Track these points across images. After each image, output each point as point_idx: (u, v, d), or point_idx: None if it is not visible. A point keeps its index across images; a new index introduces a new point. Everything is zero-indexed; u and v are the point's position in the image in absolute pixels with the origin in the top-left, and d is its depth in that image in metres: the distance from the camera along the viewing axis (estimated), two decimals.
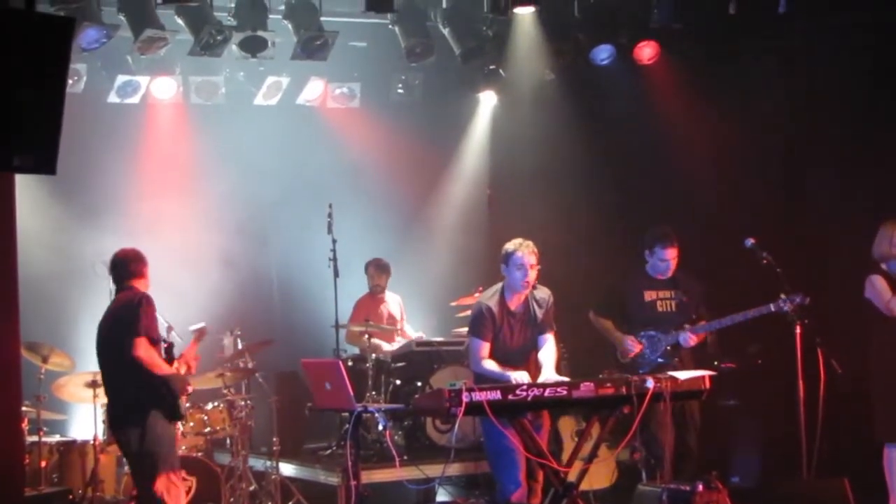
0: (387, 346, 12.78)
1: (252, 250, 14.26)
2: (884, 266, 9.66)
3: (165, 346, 9.13)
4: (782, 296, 9.68)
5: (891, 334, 9.59)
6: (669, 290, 10.37)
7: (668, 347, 10.23)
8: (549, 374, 8.88)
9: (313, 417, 12.49)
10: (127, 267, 9.10)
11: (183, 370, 9.14)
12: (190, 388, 9.32)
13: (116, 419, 9.09)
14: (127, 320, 8.77)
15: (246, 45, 11.96)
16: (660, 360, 10.17)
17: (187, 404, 10.86)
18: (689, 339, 10.17)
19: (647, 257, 10.40)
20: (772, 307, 9.74)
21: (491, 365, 8.88)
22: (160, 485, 8.72)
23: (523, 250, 8.87)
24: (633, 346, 10.25)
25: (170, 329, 9.68)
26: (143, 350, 8.68)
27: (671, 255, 10.29)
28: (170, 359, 9.04)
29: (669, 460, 9.82)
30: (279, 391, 12.36)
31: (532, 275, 8.90)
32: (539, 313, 9.07)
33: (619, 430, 9.18)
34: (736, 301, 10.07)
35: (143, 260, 9.15)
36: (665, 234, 10.33)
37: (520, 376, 8.69)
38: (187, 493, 10.56)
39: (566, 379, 8.79)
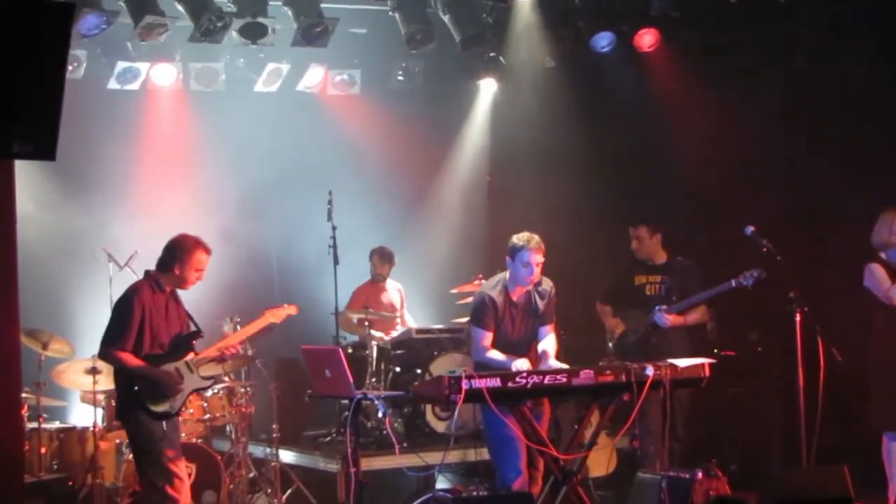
0: (378, 335, 12.73)
1: (252, 237, 14.25)
2: (882, 255, 9.67)
3: (185, 334, 9.03)
4: (745, 272, 9.79)
5: (889, 323, 9.60)
6: (659, 274, 10.77)
7: (649, 327, 10.41)
8: (551, 363, 8.87)
9: (313, 404, 12.49)
10: (161, 255, 9.06)
11: (214, 354, 9.12)
12: (205, 382, 9.23)
13: (117, 412, 9.15)
14: (110, 319, 8.80)
15: (246, 32, 11.95)
16: (636, 339, 10.40)
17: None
18: (665, 319, 10.39)
19: None
20: (733, 283, 9.98)
21: (494, 353, 8.87)
22: (160, 479, 8.70)
23: (531, 247, 8.79)
24: (617, 325, 10.69)
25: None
26: (108, 359, 8.77)
27: (633, 233, 10.82)
28: (187, 349, 8.97)
29: (666, 447, 9.83)
30: (279, 378, 12.35)
31: (537, 272, 8.88)
32: (541, 304, 9.05)
33: (619, 418, 9.19)
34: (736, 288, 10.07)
35: (176, 251, 8.94)
36: (633, 216, 10.95)
37: (521, 364, 8.69)
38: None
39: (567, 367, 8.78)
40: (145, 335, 8.76)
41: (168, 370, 8.81)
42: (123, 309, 8.76)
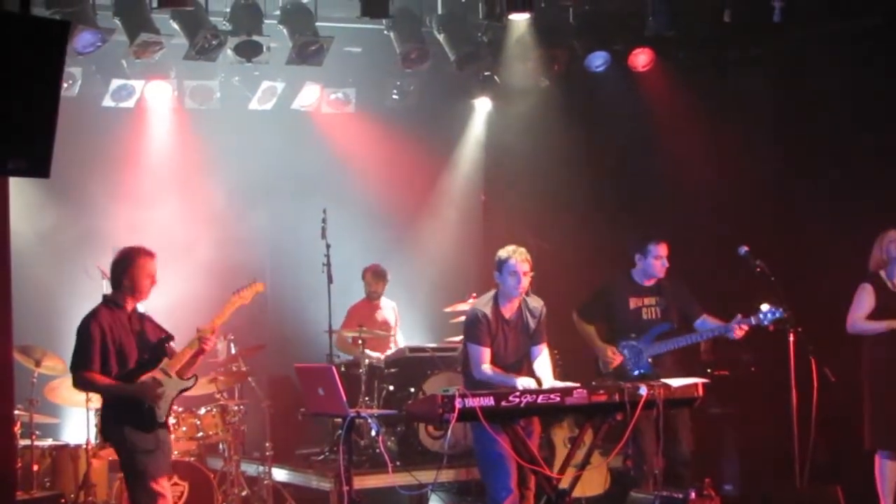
0: (375, 355, 12.71)
1: (245, 255, 14.22)
2: (882, 273, 9.73)
3: (161, 338, 8.98)
4: (763, 307, 9.64)
5: (880, 343, 9.66)
6: (654, 296, 10.35)
7: (650, 358, 10.16)
8: (549, 383, 8.86)
9: (306, 423, 12.47)
10: (112, 276, 9.05)
11: (196, 346, 9.02)
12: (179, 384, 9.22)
13: (102, 433, 9.12)
14: (74, 346, 8.79)
15: (241, 50, 11.95)
16: (638, 371, 10.11)
17: (179, 408, 10.85)
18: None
19: (639, 261, 10.36)
20: (752, 320, 9.69)
21: (493, 371, 8.85)
22: (143, 498, 8.67)
23: (516, 257, 8.87)
24: (614, 357, 10.21)
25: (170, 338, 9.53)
26: (80, 384, 8.74)
27: (665, 251, 10.28)
28: (160, 356, 8.90)
29: (661, 468, 9.78)
30: (272, 396, 12.35)
31: (525, 281, 8.91)
32: (532, 322, 9.06)
33: (612, 438, 9.17)
34: (729, 310, 10.04)
35: (120, 263, 8.91)
36: (655, 233, 10.37)
37: (526, 382, 8.69)
38: (179, 497, 10.56)
39: (571, 386, 8.75)
40: (111, 354, 8.69)
41: (143, 380, 8.76)
42: (83, 333, 8.72)
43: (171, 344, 8.98)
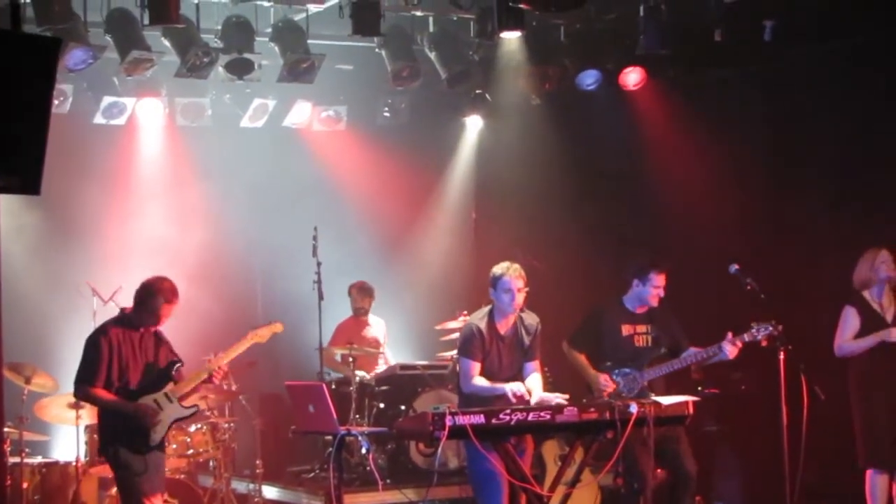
0: (360, 374, 12.65)
1: (237, 273, 14.23)
2: (866, 293, 9.74)
3: (170, 361, 9.01)
4: (753, 324, 9.57)
5: (866, 360, 9.68)
6: (645, 324, 10.03)
7: (646, 383, 10.00)
8: (540, 396, 8.86)
9: (297, 440, 12.45)
10: (136, 294, 9.08)
11: (203, 376, 9.11)
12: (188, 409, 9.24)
13: (98, 448, 9.14)
14: (81, 358, 8.90)
15: (232, 68, 11.95)
16: (633, 396, 9.92)
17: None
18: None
19: (636, 286, 9.99)
20: (745, 337, 9.53)
21: (482, 381, 8.87)
22: None
23: (511, 274, 8.89)
24: (607, 384, 9.87)
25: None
26: (81, 396, 8.93)
27: (664, 281, 9.96)
28: (165, 381, 8.93)
29: (651, 486, 9.74)
30: (263, 413, 12.34)
31: (520, 298, 8.92)
32: (527, 339, 9.08)
33: (603, 455, 9.16)
34: (720, 328, 10.01)
35: (159, 294, 8.97)
36: (659, 260, 10.13)
37: (515, 387, 8.70)
38: None
39: (561, 397, 8.77)
40: (114, 372, 8.77)
41: (145, 403, 8.79)
42: (91, 347, 8.86)
43: (181, 369, 9.05)
